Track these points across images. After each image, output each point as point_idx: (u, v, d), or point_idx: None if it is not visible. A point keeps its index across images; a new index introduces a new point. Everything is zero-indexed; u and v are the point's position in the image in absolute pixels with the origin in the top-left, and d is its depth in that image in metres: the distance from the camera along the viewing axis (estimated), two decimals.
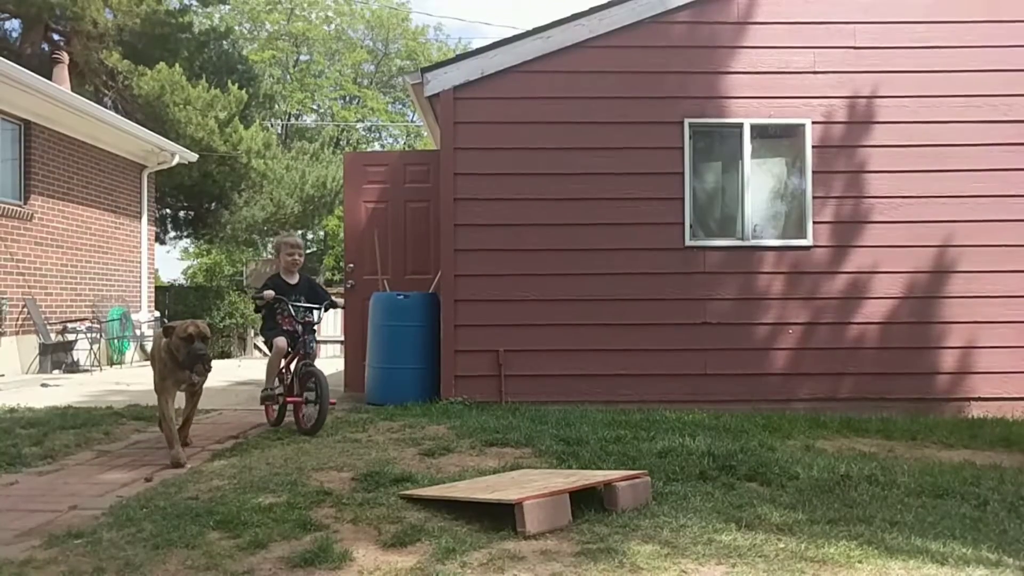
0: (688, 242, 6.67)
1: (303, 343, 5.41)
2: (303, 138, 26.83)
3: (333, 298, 5.74)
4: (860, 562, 2.81)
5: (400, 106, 32.09)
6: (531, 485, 3.40)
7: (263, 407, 5.69)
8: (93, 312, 11.08)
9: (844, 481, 3.95)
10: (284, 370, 5.51)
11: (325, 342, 16.74)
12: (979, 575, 2.73)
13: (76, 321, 10.55)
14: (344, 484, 3.76)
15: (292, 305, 5.37)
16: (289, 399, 5.31)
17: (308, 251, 30.88)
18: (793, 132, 6.79)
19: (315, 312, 5.52)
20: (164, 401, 4.48)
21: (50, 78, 11.17)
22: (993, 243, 6.62)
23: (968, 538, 3.14)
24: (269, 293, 5.32)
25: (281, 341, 5.34)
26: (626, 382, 6.55)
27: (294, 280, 5.56)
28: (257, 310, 5.58)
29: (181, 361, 4.37)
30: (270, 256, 27.84)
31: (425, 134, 18.84)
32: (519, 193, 6.64)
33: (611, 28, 6.68)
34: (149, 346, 12.54)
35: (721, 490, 3.78)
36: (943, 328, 6.64)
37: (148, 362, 12.06)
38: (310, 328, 5.49)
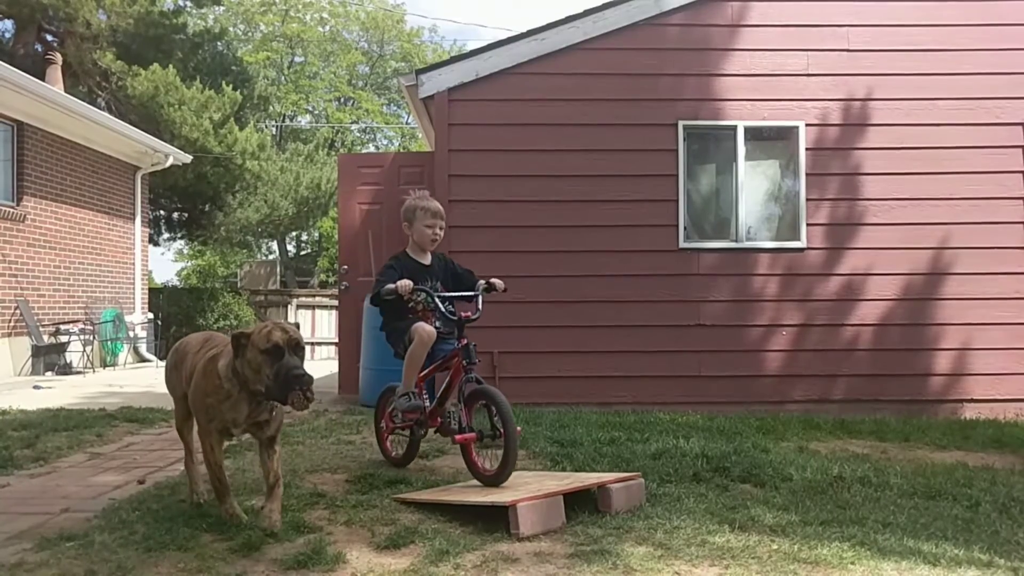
0: (682, 244, 6.69)
1: (465, 349, 3.68)
2: (298, 140, 26.83)
3: (490, 278, 4.01)
4: (853, 563, 2.81)
5: (395, 108, 32.08)
6: (525, 487, 3.40)
7: (382, 431, 4.19)
8: (86, 314, 11.03)
9: (837, 482, 3.96)
10: (417, 385, 3.84)
11: (320, 344, 16.73)
12: None
13: (69, 323, 10.51)
14: (338, 486, 3.75)
15: (438, 297, 3.79)
16: (459, 437, 3.63)
17: (302, 253, 30.85)
18: (787, 134, 6.82)
19: (473, 301, 3.93)
20: (209, 446, 3.07)
21: (43, 79, 11.13)
22: (986, 245, 6.65)
23: (960, 539, 3.15)
24: (405, 283, 3.67)
25: (426, 328, 3.71)
26: (620, 384, 6.55)
27: (428, 260, 4.01)
28: (375, 302, 3.90)
29: (267, 388, 2.82)
30: (265, 257, 27.82)
31: (420, 136, 18.86)
32: (513, 195, 6.65)
33: (605, 30, 6.70)
34: (144, 347, 12.52)
35: (715, 492, 3.78)
36: (936, 330, 6.66)
37: (141, 364, 12.10)
38: (463, 326, 3.78)
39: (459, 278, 4.05)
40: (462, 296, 3.95)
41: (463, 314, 3.81)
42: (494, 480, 3.53)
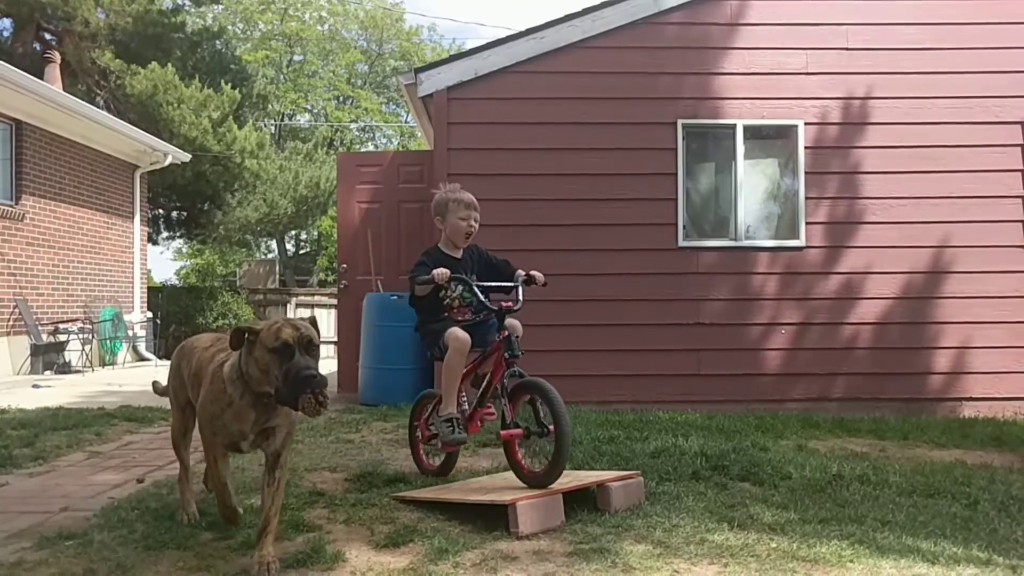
0: (681, 243, 6.69)
1: (507, 341, 3.49)
2: (297, 138, 26.80)
3: (530, 271, 3.88)
4: (852, 561, 2.81)
5: (394, 107, 32.06)
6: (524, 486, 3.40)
7: (416, 439, 3.96)
8: (85, 313, 11.03)
9: (836, 481, 3.97)
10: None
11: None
12: (969, 574, 2.74)
13: (68, 322, 10.51)
14: (337, 485, 3.75)
15: (478, 286, 3.63)
16: (504, 433, 3.44)
17: (301, 252, 30.83)
18: (786, 133, 6.82)
19: (513, 292, 3.73)
20: (213, 459, 2.83)
21: (42, 78, 11.12)
22: (985, 244, 6.66)
23: (959, 537, 3.15)
24: (442, 271, 3.51)
25: (458, 334, 3.52)
26: (619, 383, 6.55)
27: (459, 254, 3.83)
28: (412, 303, 3.75)
29: (276, 391, 2.56)
30: (264, 256, 27.81)
31: (419, 134, 18.84)
32: (512, 194, 6.64)
33: (604, 29, 6.70)
34: (143, 346, 12.51)
35: (714, 490, 3.79)
36: (936, 329, 6.67)
37: (140, 363, 12.09)
38: (504, 317, 3.57)
39: (495, 268, 3.88)
40: (501, 287, 3.75)
41: (504, 304, 3.60)
42: (541, 481, 3.29)
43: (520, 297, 3.70)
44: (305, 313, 17.75)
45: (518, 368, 3.47)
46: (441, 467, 3.87)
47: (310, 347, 2.57)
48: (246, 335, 2.61)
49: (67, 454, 4.57)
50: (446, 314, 3.68)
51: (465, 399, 3.70)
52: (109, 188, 11.91)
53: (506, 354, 3.47)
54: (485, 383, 3.63)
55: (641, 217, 6.66)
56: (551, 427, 3.28)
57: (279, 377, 2.53)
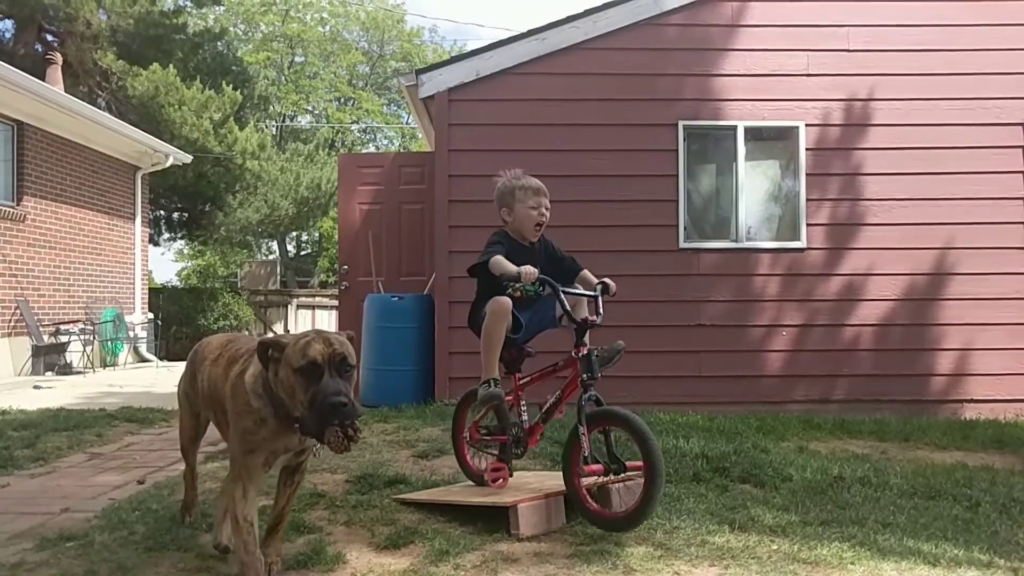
0: (682, 244, 6.68)
1: (586, 361, 3.11)
2: (298, 140, 26.84)
3: (603, 277, 3.40)
4: (853, 563, 2.81)
5: (395, 108, 32.09)
6: (525, 488, 3.40)
7: (462, 442, 3.61)
8: (86, 314, 11.04)
9: (837, 483, 3.96)
10: (515, 399, 3.41)
11: None
12: None
13: (69, 323, 10.51)
14: (338, 486, 3.75)
15: (564, 292, 3.18)
16: (590, 468, 3.04)
17: (303, 253, 30.83)
18: (787, 135, 6.81)
19: (593, 302, 3.30)
20: (241, 491, 2.39)
21: (43, 79, 11.13)
22: (987, 245, 6.64)
23: (960, 539, 3.15)
24: (530, 271, 3.07)
25: (499, 299, 3.18)
26: (620, 384, 6.51)
27: (527, 243, 3.43)
28: (473, 271, 3.43)
29: (302, 419, 2.24)
30: (265, 257, 27.81)
31: (420, 136, 18.85)
32: None
33: (606, 30, 6.69)
34: (144, 347, 12.51)
35: (715, 492, 3.79)
36: (937, 330, 6.66)
37: (141, 364, 12.10)
38: (585, 331, 3.18)
39: (560, 263, 3.46)
40: (583, 294, 3.31)
41: (589, 317, 3.21)
42: (622, 525, 2.95)
43: (600, 310, 3.26)
44: (306, 314, 17.78)
45: (595, 393, 3.11)
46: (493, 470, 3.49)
47: (343, 367, 2.22)
48: (271, 351, 2.28)
49: (68, 455, 4.57)
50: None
51: (525, 410, 3.40)
52: (110, 189, 11.92)
53: (584, 375, 3.11)
54: (553, 399, 3.32)
55: (642, 218, 6.65)
56: (628, 463, 3.00)
57: (304, 403, 2.20)
